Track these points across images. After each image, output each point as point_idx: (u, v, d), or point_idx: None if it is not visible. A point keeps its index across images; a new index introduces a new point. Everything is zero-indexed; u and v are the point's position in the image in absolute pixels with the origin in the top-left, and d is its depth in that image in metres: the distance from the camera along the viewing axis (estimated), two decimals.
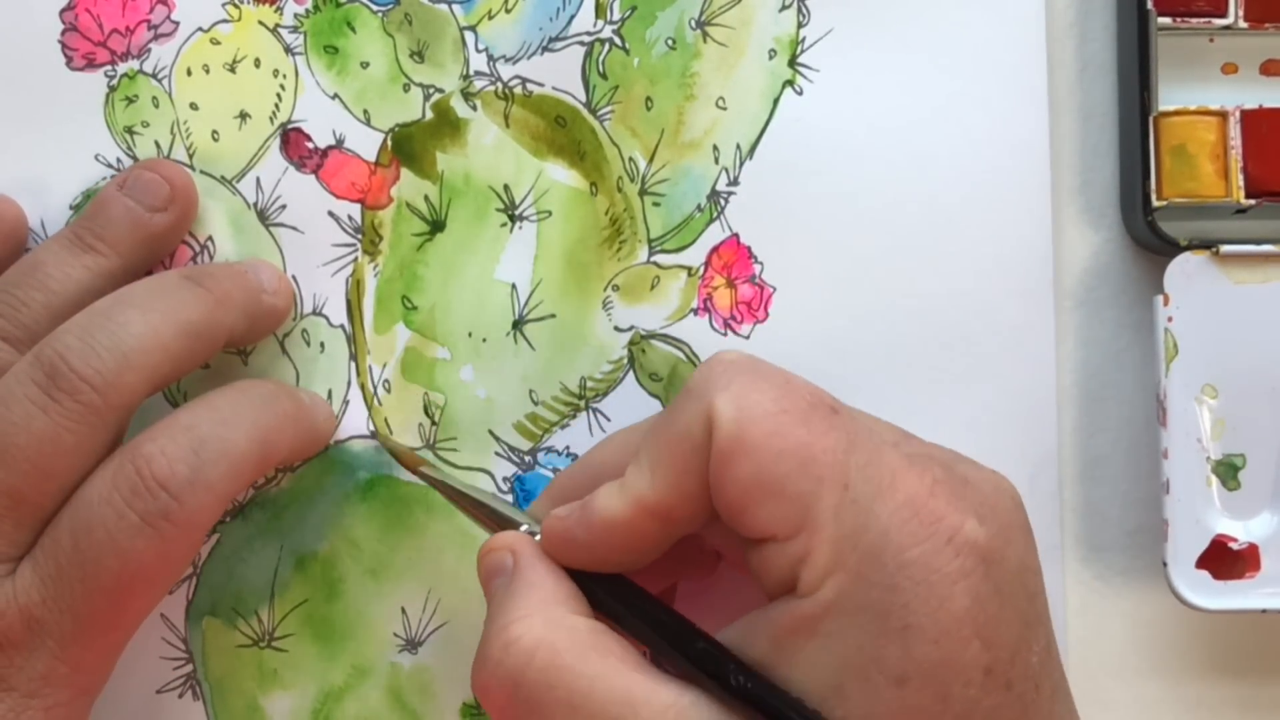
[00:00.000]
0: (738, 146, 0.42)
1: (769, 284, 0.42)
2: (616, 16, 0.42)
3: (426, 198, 0.42)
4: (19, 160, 0.41)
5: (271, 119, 0.42)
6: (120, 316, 0.36)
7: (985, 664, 0.30)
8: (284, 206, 0.42)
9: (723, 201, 0.42)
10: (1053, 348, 0.42)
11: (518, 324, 0.42)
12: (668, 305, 0.42)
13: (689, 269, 0.42)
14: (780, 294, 0.42)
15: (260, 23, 0.42)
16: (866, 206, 0.42)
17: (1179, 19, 0.41)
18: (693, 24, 0.42)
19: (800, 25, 0.42)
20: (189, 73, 0.42)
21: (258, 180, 0.42)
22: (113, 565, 0.35)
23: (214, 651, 0.42)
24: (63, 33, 0.41)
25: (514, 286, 0.42)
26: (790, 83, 0.42)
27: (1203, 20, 0.42)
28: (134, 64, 0.42)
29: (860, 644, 0.30)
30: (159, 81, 0.42)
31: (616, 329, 0.42)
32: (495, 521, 0.37)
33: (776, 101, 0.42)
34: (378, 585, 0.42)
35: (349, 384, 0.42)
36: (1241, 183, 0.42)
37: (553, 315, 0.42)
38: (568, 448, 0.42)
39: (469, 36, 0.42)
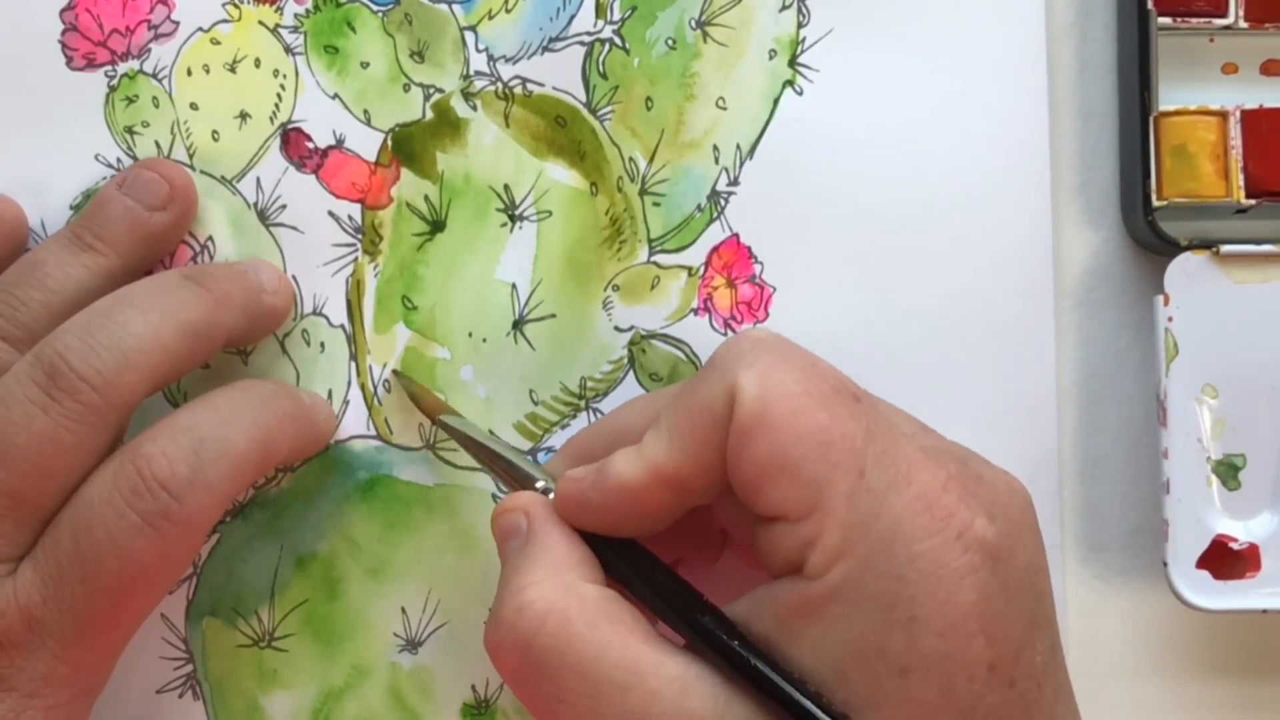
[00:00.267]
0: (738, 146, 0.42)
1: (769, 284, 0.42)
2: (616, 16, 0.42)
3: (426, 198, 0.42)
4: (19, 160, 0.41)
5: (271, 119, 0.42)
6: (120, 316, 0.36)
7: (989, 660, 0.30)
8: (284, 206, 0.42)
9: (723, 201, 0.42)
10: (1053, 348, 0.42)
11: (518, 324, 0.42)
12: (668, 305, 0.42)
13: (689, 269, 0.42)
14: (780, 294, 0.42)
15: (260, 23, 0.42)
16: (866, 206, 0.42)
17: (1179, 19, 0.41)
18: (693, 24, 0.42)
19: (800, 25, 0.42)
20: (189, 73, 0.42)
21: (258, 180, 0.42)
22: (113, 565, 0.35)
23: (214, 651, 0.42)
24: (63, 33, 0.41)
25: (514, 286, 0.42)
26: (790, 83, 0.42)
27: (1203, 20, 0.42)
28: (134, 64, 0.42)
29: (864, 631, 0.30)
30: (159, 81, 0.42)
31: (616, 329, 0.42)
32: (512, 476, 0.37)
33: (776, 101, 0.42)
34: (378, 585, 0.42)
35: (349, 384, 0.42)
36: (1241, 183, 0.42)
37: (553, 315, 0.42)
38: None
39: (469, 36, 0.42)
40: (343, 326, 0.42)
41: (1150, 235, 0.41)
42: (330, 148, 0.42)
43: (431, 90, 0.42)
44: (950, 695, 0.30)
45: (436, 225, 0.42)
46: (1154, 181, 0.41)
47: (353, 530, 0.42)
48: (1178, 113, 0.42)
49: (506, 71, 0.42)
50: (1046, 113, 0.42)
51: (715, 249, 0.42)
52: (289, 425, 0.39)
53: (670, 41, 0.42)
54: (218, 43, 0.42)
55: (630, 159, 0.42)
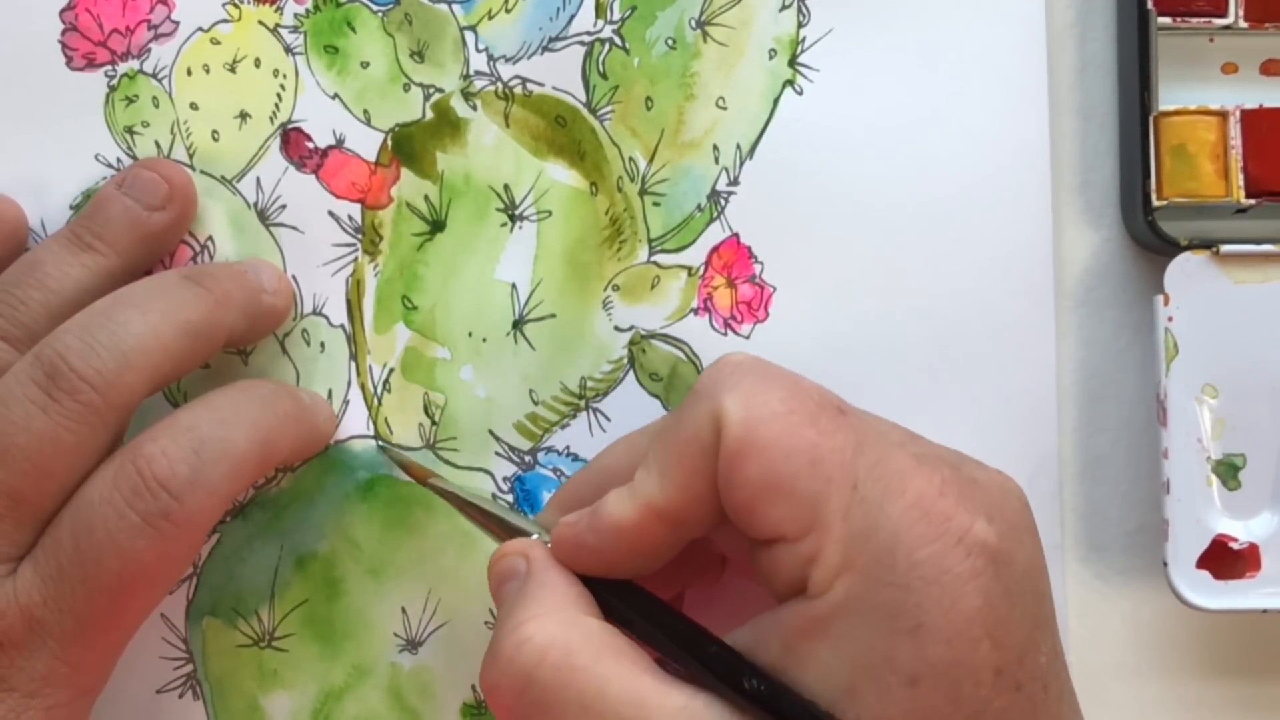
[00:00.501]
0: (738, 146, 0.42)
1: (769, 284, 0.42)
2: (616, 16, 0.42)
3: (426, 198, 0.42)
4: (19, 160, 0.41)
5: (271, 119, 0.42)
6: (120, 316, 0.36)
7: (995, 664, 0.30)
8: (284, 206, 0.42)
9: (723, 201, 0.42)
10: (1053, 348, 0.42)
11: (518, 324, 0.42)
12: (668, 305, 0.42)
13: (689, 269, 0.42)
14: (780, 294, 0.42)
15: (260, 23, 0.42)
16: (866, 206, 0.42)
17: (1179, 19, 0.41)
18: (693, 24, 0.42)
19: (800, 25, 0.42)
20: (189, 73, 0.42)
21: (258, 180, 0.42)
22: (113, 565, 0.35)
23: (214, 651, 0.42)
24: (63, 33, 0.41)
25: (514, 286, 0.42)
26: (790, 83, 0.42)
27: (1203, 20, 0.42)
28: (134, 64, 0.42)
29: (872, 644, 0.30)
30: (159, 81, 0.42)
31: (616, 329, 0.42)
32: (505, 531, 0.37)
33: (776, 101, 0.42)
34: (378, 585, 0.42)
35: (349, 384, 0.42)
36: (1241, 183, 0.42)
37: (553, 315, 0.42)
38: (568, 447, 0.42)
39: (469, 36, 0.42)
40: (343, 326, 0.42)
41: (1150, 235, 0.41)
42: (330, 148, 0.42)
43: (431, 90, 0.42)
44: (958, 702, 0.30)
45: (436, 225, 0.42)
46: (1154, 181, 0.41)
47: (353, 530, 0.42)
48: (1178, 113, 0.42)
49: (506, 71, 0.42)
50: (1046, 113, 0.42)
51: (715, 249, 0.42)
52: (289, 425, 0.39)
53: (670, 41, 0.42)
54: (218, 43, 0.42)
55: (630, 159, 0.42)
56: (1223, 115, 0.42)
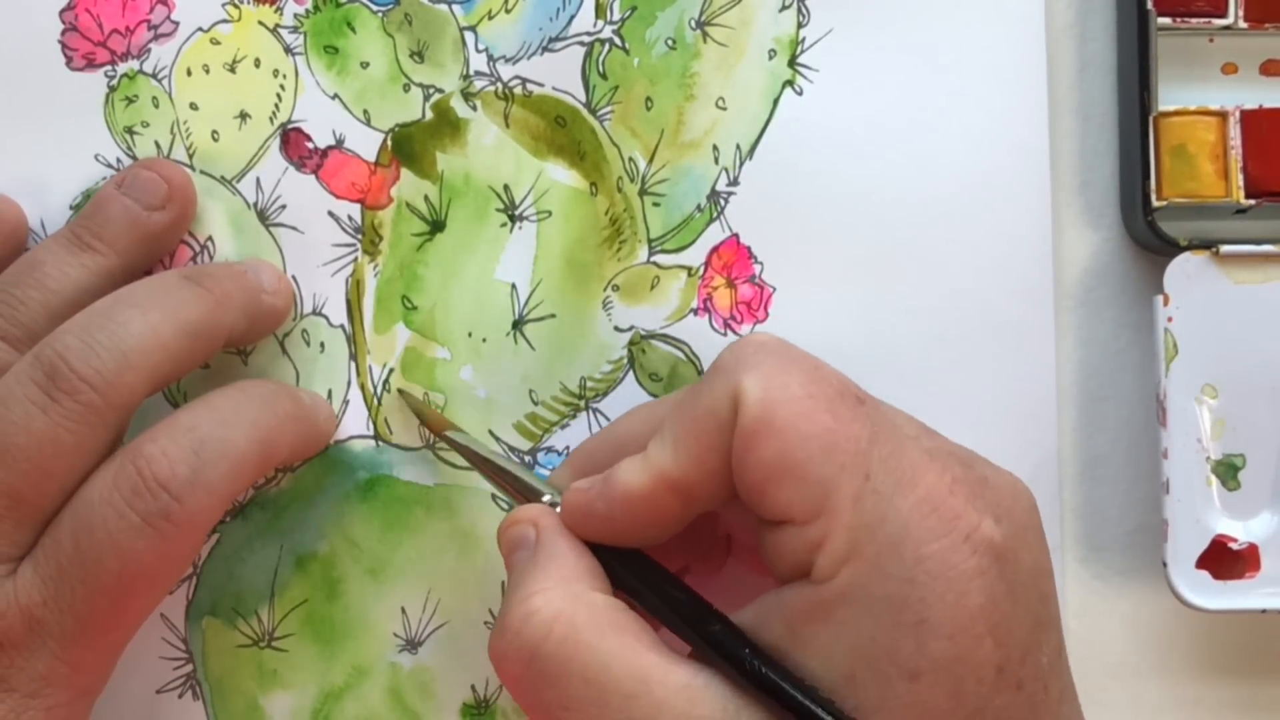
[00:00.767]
0: (738, 146, 0.42)
1: (769, 284, 0.42)
2: (616, 16, 0.42)
3: (426, 198, 0.42)
4: (19, 160, 0.41)
5: (271, 119, 0.42)
6: (120, 316, 0.36)
7: (997, 662, 0.30)
8: (284, 206, 0.42)
9: (723, 201, 0.42)
10: (1053, 348, 0.42)
11: (518, 324, 0.42)
12: (667, 305, 0.42)
13: (689, 269, 0.42)
14: (780, 294, 0.42)
15: (260, 23, 0.42)
16: (866, 206, 0.42)
17: (1179, 19, 0.41)
18: (693, 24, 0.42)
19: (800, 25, 0.42)
20: (189, 73, 0.42)
21: (258, 180, 0.42)
22: (114, 566, 0.35)
23: (214, 651, 0.42)
24: (63, 33, 0.41)
25: (514, 286, 0.42)
26: (790, 83, 0.42)
27: (1203, 20, 0.42)
28: (134, 64, 0.42)
29: (874, 635, 0.30)
30: (159, 81, 0.42)
31: (616, 329, 0.42)
32: (517, 489, 0.37)
33: (776, 101, 0.42)
34: (378, 585, 0.42)
35: (349, 384, 0.42)
36: (1241, 183, 0.42)
37: (553, 315, 0.42)
38: (567, 448, 0.42)
39: (469, 36, 0.42)
40: (342, 326, 0.42)
41: (1150, 235, 0.41)
42: (330, 148, 0.42)
43: (431, 90, 0.42)
44: (959, 698, 0.30)
45: (436, 225, 0.42)
46: (1154, 181, 0.41)
47: (353, 530, 0.42)
48: (1177, 113, 0.42)
49: (506, 71, 0.42)
50: (1046, 113, 0.42)
51: (715, 249, 0.42)
52: (289, 425, 0.39)
53: (670, 41, 0.42)
54: (217, 43, 0.42)
55: (630, 159, 0.42)
56: (1222, 115, 0.42)
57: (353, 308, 0.42)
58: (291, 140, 0.42)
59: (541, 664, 0.32)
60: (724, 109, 0.42)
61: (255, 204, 0.42)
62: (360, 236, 0.42)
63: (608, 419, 0.42)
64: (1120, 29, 0.43)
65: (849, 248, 0.42)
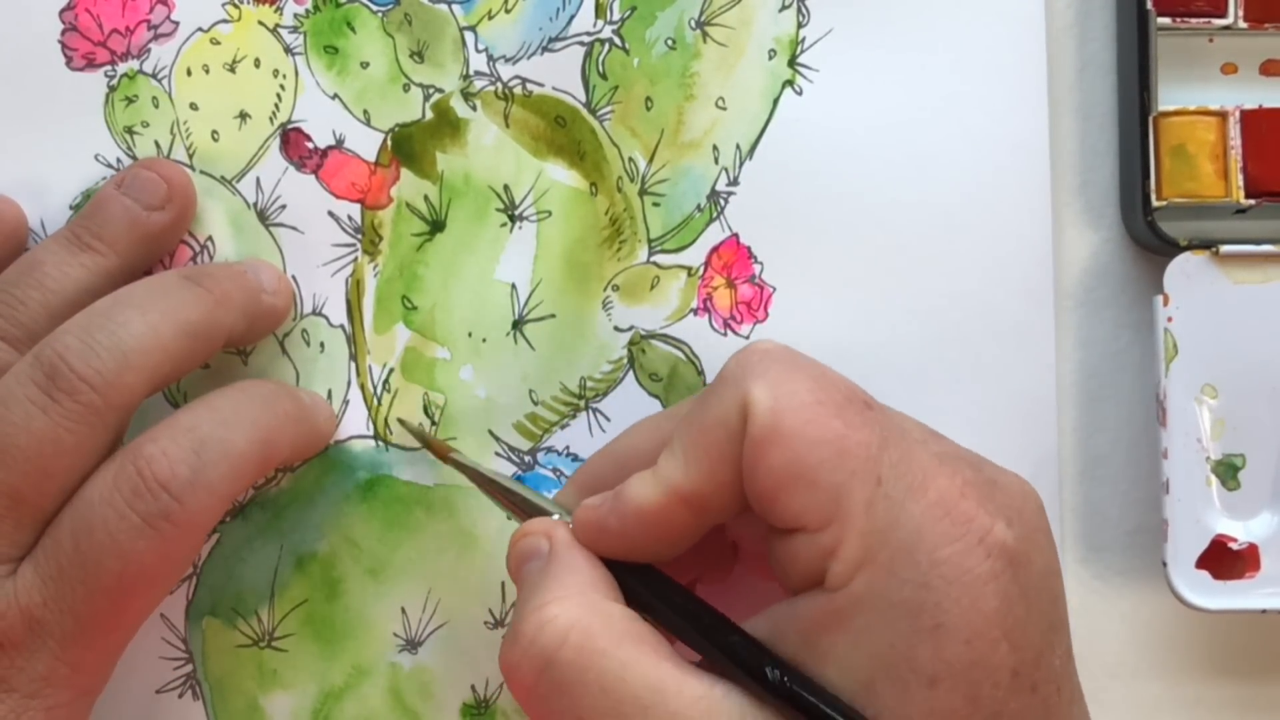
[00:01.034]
0: (737, 146, 0.42)
1: (769, 284, 0.42)
2: (616, 16, 0.42)
3: (426, 198, 0.42)
4: (19, 160, 0.41)
5: (271, 119, 0.42)
6: (120, 316, 0.36)
7: (1012, 666, 0.30)
8: (284, 206, 0.42)
9: (723, 201, 0.42)
10: (1053, 348, 0.42)
11: (518, 324, 0.42)
12: (667, 305, 0.42)
13: (689, 269, 0.42)
14: (780, 294, 0.42)
15: (260, 23, 0.42)
16: (866, 206, 0.42)
17: (1179, 19, 0.41)
18: (692, 24, 0.42)
19: (800, 25, 0.42)
20: (189, 73, 0.42)
21: (258, 180, 0.42)
22: (114, 566, 0.35)
23: (214, 651, 0.42)
24: (63, 33, 0.41)
25: (514, 286, 0.42)
26: (790, 83, 0.42)
27: (1202, 20, 0.42)
28: (134, 64, 0.41)
29: (892, 641, 0.30)
30: (159, 81, 0.42)
31: (616, 329, 0.42)
32: (525, 511, 0.37)
33: (776, 101, 0.42)
34: (378, 585, 0.42)
35: (349, 384, 0.42)
36: (1241, 183, 0.42)
37: (553, 315, 0.42)
38: (567, 448, 0.42)
39: (469, 36, 0.42)
40: (342, 326, 0.42)
41: (1150, 235, 0.41)
42: (330, 148, 0.42)
43: (431, 90, 0.42)
44: (976, 703, 0.30)
45: (436, 225, 0.42)
46: (1153, 181, 0.41)
47: (353, 530, 0.42)
48: (1177, 113, 0.42)
49: (506, 71, 0.42)
50: (1046, 113, 0.42)
51: (715, 249, 0.42)
52: (289, 426, 0.39)
53: (670, 41, 0.42)
54: (217, 43, 0.42)
55: (630, 159, 0.42)
56: (1222, 115, 0.42)
57: (353, 308, 0.42)
58: (291, 140, 0.42)
59: (556, 673, 0.31)
60: (724, 109, 0.42)
61: (255, 204, 0.42)
62: (360, 236, 0.42)
63: (608, 419, 0.42)
64: (1120, 29, 0.43)
65: (849, 248, 0.42)
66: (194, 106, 0.42)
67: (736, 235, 0.42)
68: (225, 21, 0.42)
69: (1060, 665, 0.31)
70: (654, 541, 0.34)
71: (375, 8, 0.42)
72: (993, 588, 0.30)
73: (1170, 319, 0.41)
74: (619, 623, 0.32)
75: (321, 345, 0.42)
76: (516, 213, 0.42)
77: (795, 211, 0.42)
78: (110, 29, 0.41)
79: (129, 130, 0.42)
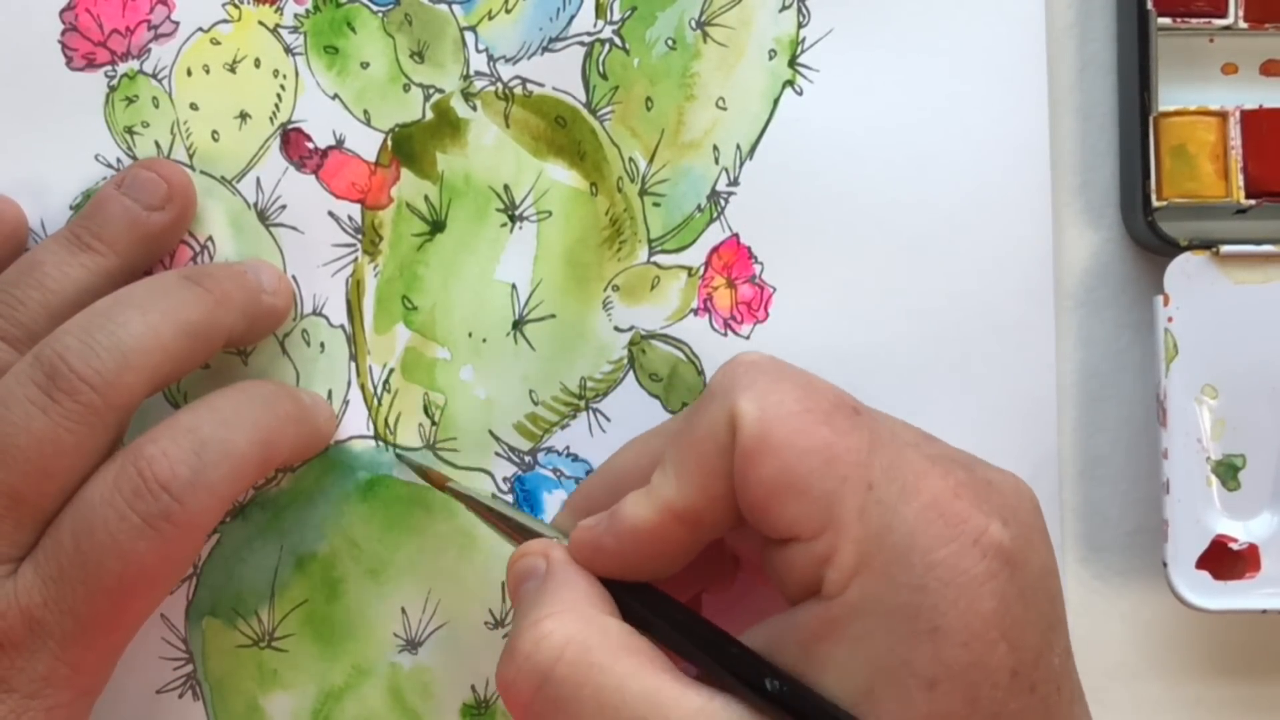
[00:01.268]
0: (738, 146, 0.42)
1: (769, 284, 0.42)
2: (616, 17, 0.42)
3: (426, 198, 0.42)
4: (19, 160, 0.41)
5: (271, 119, 0.42)
6: (120, 316, 0.36)
7: (1011, 666, 0.30)
8: (284, 206, 0.42)
9: (723, 201, 0.42)
10: (1053, 348, 0.42)
11: (518, 324, 0.42)
12: (668, 305, 0.42)
13: (689, 269, 0.42)
14: (780, 294, 0.42)
15: (260, 23, 0.42)
16: (866, 207, 0.42)
17: (1179, 19, 0.41)
18: (693, 24, 0.42)
19: (800, 25, 0.42)
20: (189, 73, 0.42)
21: (258, 180, 0.42)
22: (114, 566, 0.35)
23: (214, 651, 0.42)
24: (63, 33, 0.41)
25: (514, 286, 0.42)
26: (790, 83, 0.42)
27: (1203, 20, 0.42)
28: (134, 64, 0.41)
29: (890, 646, 0.30)
30: (159, 81, 0.42)
31: (616, 329, 0.42)
32: (523, 535, 0.37)
33: (776, 102, 0.42)
34: (378, 585, 0.42)
35: (349, 384, 0.42)
36: (1241, 183, 0.42)
37: (553, 315, 0.42)
38: (568, 448, 0.42)
39: (469, 36, 0.42)
40: (343, 327, 0.42)
41: (1150, 235, 0.41)
42: (330, 148, 0.42)
43: (431, 90, 0.42)
44: (975, 705, 0.30)
45: (436, 225, 0.42)
46: (1154, 182, 0.41)
47: (353, 530, 0.42)
48: (1177, 113, 0.42)
49: (506, 72, 0.42)
50: (1046, 113, 0.42)
51: (715, 249, 0.42)
52: (290, 426, 0.39)
53: (670, 42, 0.42)
54: (218, 43, 0.42)
55: (630, 159, 0.42)
56: (1223, 116, 0.42)
57: (353, 308, 0.42)
58: (291, 140, 0.42)
59: (553, 689, 0.31)
60: (724, 109, 0.42)
61: (255, 204, 0.42)
62: (360, 236, 0.42)
63: (608, 419, 0.42)
64: (1120, 29, 0.43)
65: (849, 248, 0.42)
66: (194, 106, 0.42)
67: (737, 235, 0.42)
68: (225, 22, 0.42)
69: (1059, 664, 0.31)
70: (650, 559, 0.34)
71: (375, 8, 0.42)
72: (989, 588, 0.30)
73: (1170, 319, 0.41)
74: (616, 637, 0.32)
75: (322, 345, 0.42)
76: (517, 213, 0.42)
77: (795, 212, 0.42)
78: (110, 29, 0.41)
79: (129, 130, 0.42)
